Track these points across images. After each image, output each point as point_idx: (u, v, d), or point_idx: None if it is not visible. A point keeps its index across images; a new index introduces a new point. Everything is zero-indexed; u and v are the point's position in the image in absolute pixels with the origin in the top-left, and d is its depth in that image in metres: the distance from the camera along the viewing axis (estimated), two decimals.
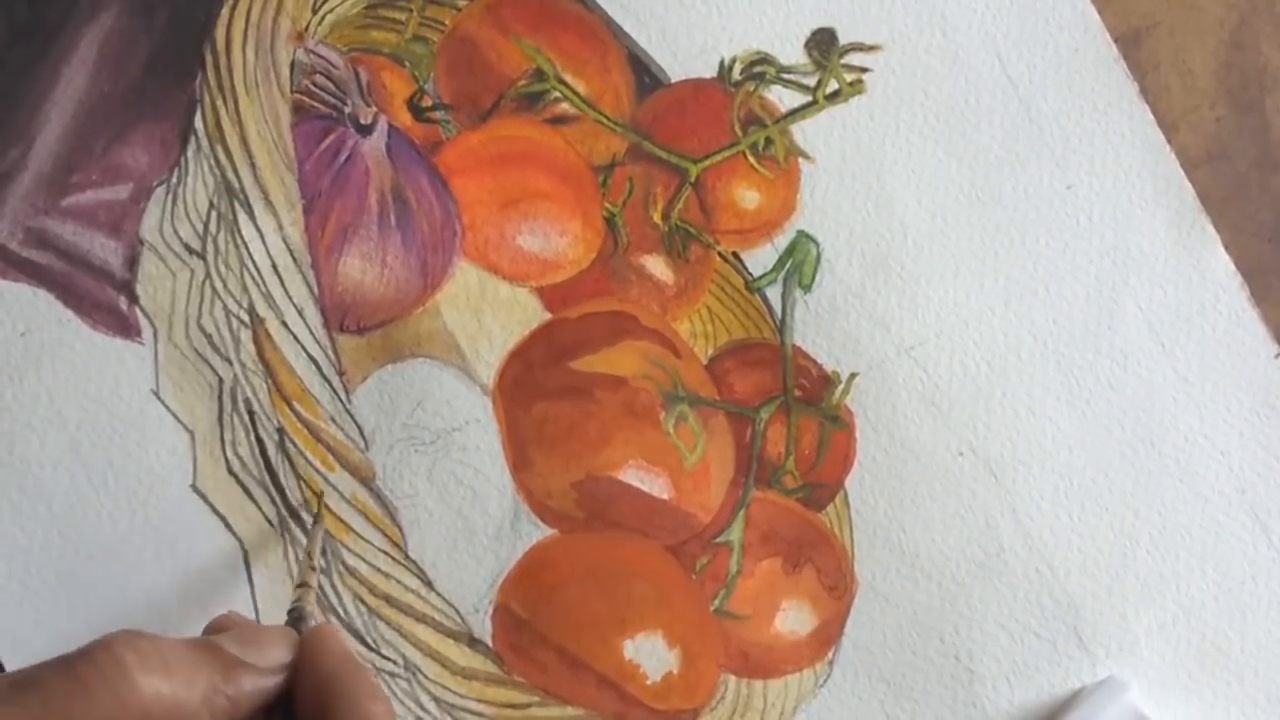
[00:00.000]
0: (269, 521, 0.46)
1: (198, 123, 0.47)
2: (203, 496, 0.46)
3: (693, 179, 0.48)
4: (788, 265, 0.48)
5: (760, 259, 0.48)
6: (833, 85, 0.48)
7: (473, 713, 0.47)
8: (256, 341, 0.47)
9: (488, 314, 0.47)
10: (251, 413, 0.47)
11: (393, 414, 0.47)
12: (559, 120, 0.48)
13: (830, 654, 0.47)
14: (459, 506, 0.47)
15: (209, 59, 0.47)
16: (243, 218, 0.47)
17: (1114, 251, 0.48)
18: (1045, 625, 0.47)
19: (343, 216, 0.47)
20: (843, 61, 0.48)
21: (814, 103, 0.48)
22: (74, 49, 0.47)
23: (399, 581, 0.47)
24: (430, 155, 0.48)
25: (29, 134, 0.47)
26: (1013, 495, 0.47)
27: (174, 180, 0.47)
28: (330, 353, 0.47)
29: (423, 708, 0.46)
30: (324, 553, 0.46)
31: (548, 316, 0.48)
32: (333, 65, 0.48)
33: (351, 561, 0.47)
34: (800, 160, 0.48)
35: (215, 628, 0.39)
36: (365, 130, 0.47)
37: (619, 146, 0.48)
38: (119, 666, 0.31)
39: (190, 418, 0.46)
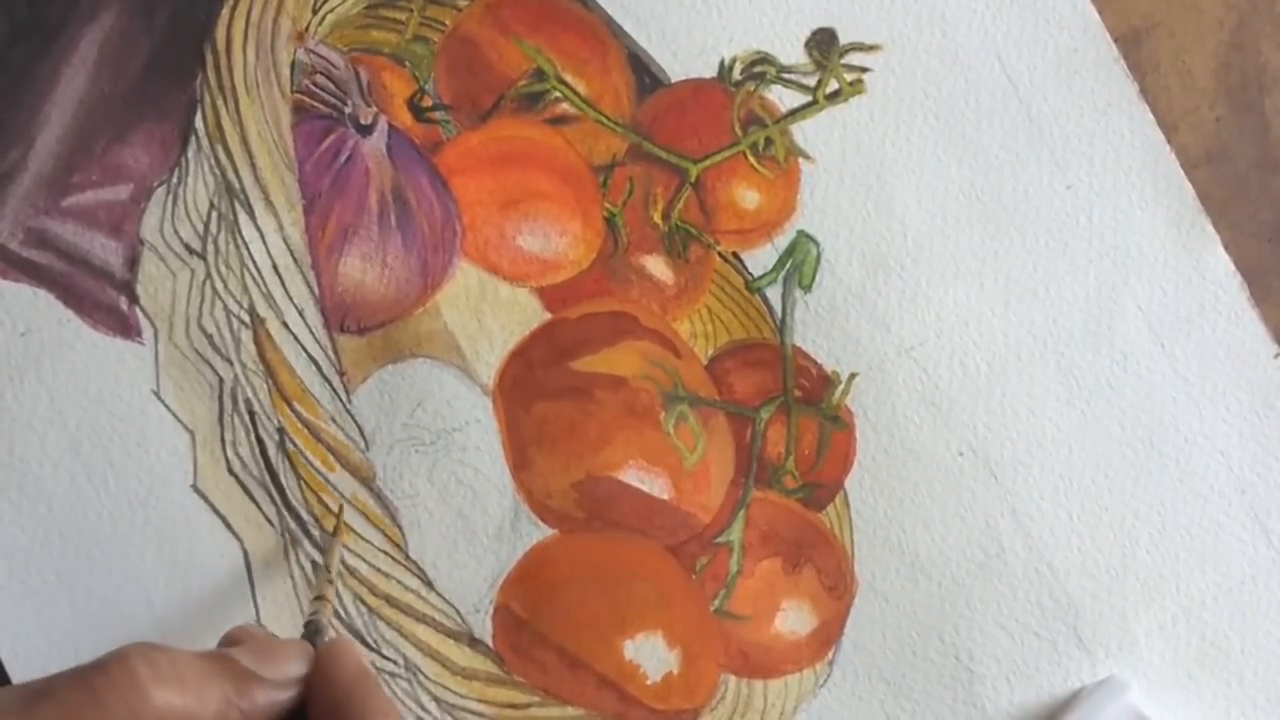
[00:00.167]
0: (269, 521, 0.46)
1: (198, 123, 0.47)
2: (203, 496, 0.46)
3: (693, 179, 0.48)
4: (788, 265, 0.48)
5: (760, 259, 0.48)
6: (833, 85, 0.48)
7: (473, 713, 0.47)
8: (257, 342, 0.47)
9: (488, 314, 0.47)
10: (252, 413, 0.47)
11: (393, 414, 0.47)
12: (559, 120, 0.48)
13: (830, 654, 0.47)
14: (459, 506, 0.47)
15: (209, 59, 0.47)
16: (243, 218, 0.47)
17: (1114, 252, 0.48)
18: (1045, 625, 0.47)
19: (343, 217, 0.47)
20: (843, 61, 0.48)
21: (814, 103, 0.48)
22: (74, 49, 0.47)
23: (399, 582, 0.47)
24: (430, 155, 0.48)
25: (29, 134, 0.47)
26: (1013, 495, 0.47)
27: (174, 180, 0.47)
28: (330, 353, 0.47)
29: (423, 708, 0.46)
30: (326, 553, 0.46)
31: (548, 317, 0.48)
32: (333, 65, 0.48)
33: (352, 562, 0.47)
34: (800, 160, 0.48)
35: (230, 640, 0.39)
36: (365, 130, 0.48)
37: (619, 146, 0.48)
38: (133, 679, 0.31)
39: (191, 418, 0.47)
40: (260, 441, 0.47)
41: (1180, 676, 0.47)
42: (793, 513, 0.47)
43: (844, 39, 0.48)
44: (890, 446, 0.47)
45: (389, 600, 0.47)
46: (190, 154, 0.47)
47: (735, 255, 0.48)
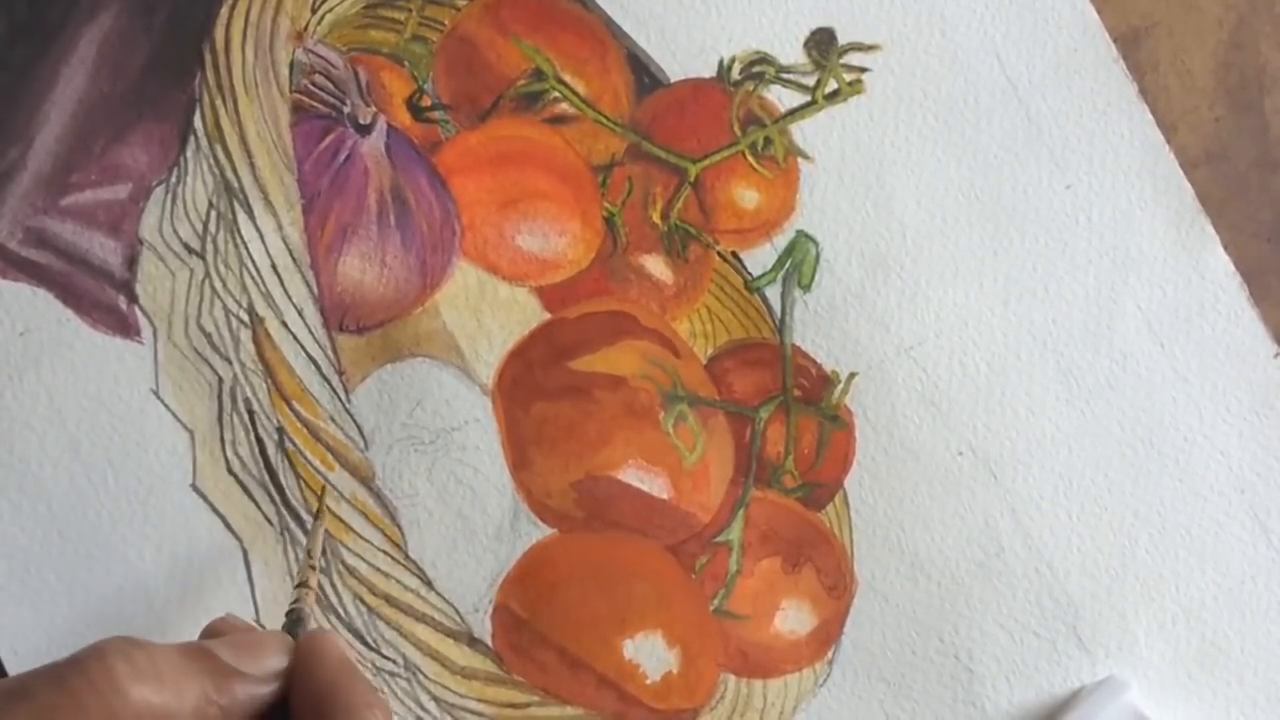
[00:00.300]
0: (268, 521, 0.46)
1: (197, 122, 0.47)
2: (202, 496, 0.46)
3: (692, 179, 0.48)
4: (787, 265, 0.48)
5: (759, 259, 0.48)
6: (832, 85, 0.48)
7: (472, 712, 0.47)
8: (256, 341, 0.47)
9: (487, 314, 0.47)
10: (251, 412, 0.47)
11: (392, 414, 0.47)
12: (558, 120, 0.48)
13: (830, 653, 0.47)
14: (458, 506, 0.47)
15: (208, 58, 0.47)
16: (242, 217, 0.47)
17: (1113, 251, 0.48)
18: (1045, 625, 0.47)
19: (342, 216, 0.47)
20: (842, 61, 0.48)
21: (813, 102, 0.48)
22: (73, 49, 0.47)
23: (399, 581, 0.47)
24: (429, 155, 0.48)
25: (28, 134, 0.47)
26: (1012, 495, 0.47)
27: (173, 180, 0.47)
28: (330, 352, 0.47)
29: (422, 707, 0.46)
30: (324, 552, 0.46)
31: (547, 316, 0.48)
32: (332, 65, 0.48)
33: (351, 561, 0.47)
34: (799, 160, 0.48)
35: (211, 632, 0.39)
36: (364, 130, 0.48)
37: (618, 146, 0.48)
38: (110, 677, 0.30)
39: (190, 417, 0.47)
40: (259, 441, 0.47)
41: (1180, 676, 0.47)
42: (792, 512, 0.47)
43: (843, 39, 0.48)
44: (890, 446, 0.47)
45: (388, 600, 0.47)
46: (189, 153, 0.47)
47: (734, 255, 0.48)
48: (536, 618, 0.47)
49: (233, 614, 0.43)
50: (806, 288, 0.48)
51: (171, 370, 0.47)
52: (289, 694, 0.35)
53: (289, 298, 0.47)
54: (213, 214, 0.47)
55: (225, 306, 0.47)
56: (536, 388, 0.47)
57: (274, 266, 0.47)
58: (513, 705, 0.47)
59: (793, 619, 0.47)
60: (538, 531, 0.47)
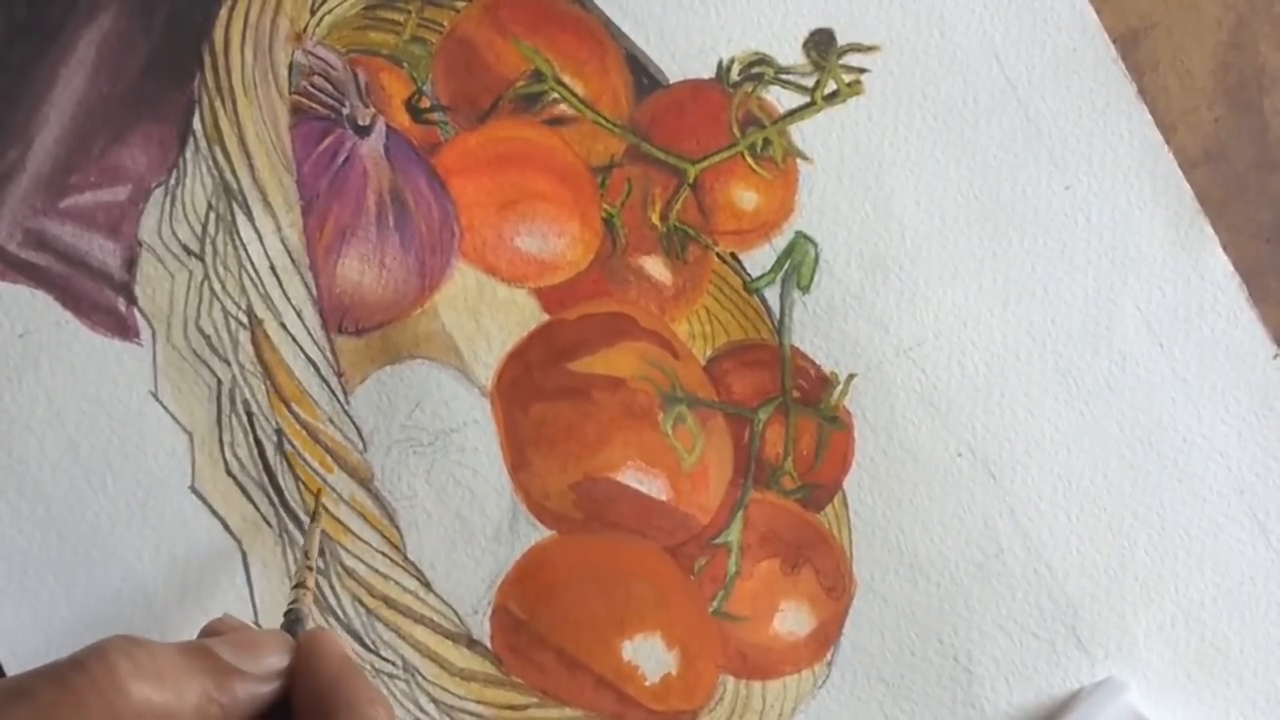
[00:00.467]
0: (267, 522, 0.46)
1: (196, 124, 0.47)
2: (201, 498, 0.46)
3: (691, 180, 0.48)
4: (786, 266, 0.48)
5: (758, 260, 0.48)
6: (831, 86, 0.48)
7: (471, 714, 0.47)
8: (255, 343, 0.47)
9: (486, 315, 0.47)
10: (250, 414, 0.47)
11: (391, 415, 0.47)
12: (557, 121, 0.48)
13: (829, 655, 0.47)
14: (457, 507, 0.47)
15: (207, 60, 0.47)
16: (241, 219, 0.47)
17: (1112, 252, 0.47)
18: (1044, 626, 0.47)
19: (341, 218, 0.47)
20: (841, 62, 0.48)
21: (812, 103, 0.48)
22: (72, 50, 0.47)
23: (397, 583, 0.47)
24: (428, 156, 0.48)
25: (27, 135, 0.47)
26: (1011, 496, 0.47)
27: (172, 181, 0.47)
28: (328, 354, 0.47)
29: (421, 709, 0.46)
30: (322, 553, 0.46)
31: (546, 318, 0.48)
32: (331, 66, 0.48)
33: (350, 563, 0.47)
34: (798, 161, 0.48)
35: (210, 631, 0.39)
36: (363, 131, 0.48)
37: (617, 147, 0.48)
38: (112, 676, 0.30)
39: (189, 419, 0.47)
40: (258, 443, 0.47)
41: (1179, 677, 0.47)
42: (791, 513, 0.47)
43: (842, 40, 0.48)
44: (889, 447, 0.47)
45: (387, 601, 0.47)
46: (188, 155, 0.47)
47: (733, 256, 0.48)
48: (535, 619, 0.47)
49: (230, 614, 0.43)
50: (805, 289, 0.48)
51: (170, 372, 0.47)
52: (291, 692, 0.35)
53: (288, 299, 0.47)
54: (212, 216, 0.47)
55: (224, 308, 0.47)
56: (535, 389, 0.47)
57: (273, 268, 0.47)
58: (511, 707, 0.47)
59: (792, 620, 0.47)
60: (536, 533, 0.47)
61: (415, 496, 0.47)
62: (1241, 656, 0.47)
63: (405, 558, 0.47)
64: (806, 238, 0.48)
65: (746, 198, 0.48)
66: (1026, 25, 0.48)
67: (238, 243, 0.47)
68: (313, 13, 0.48)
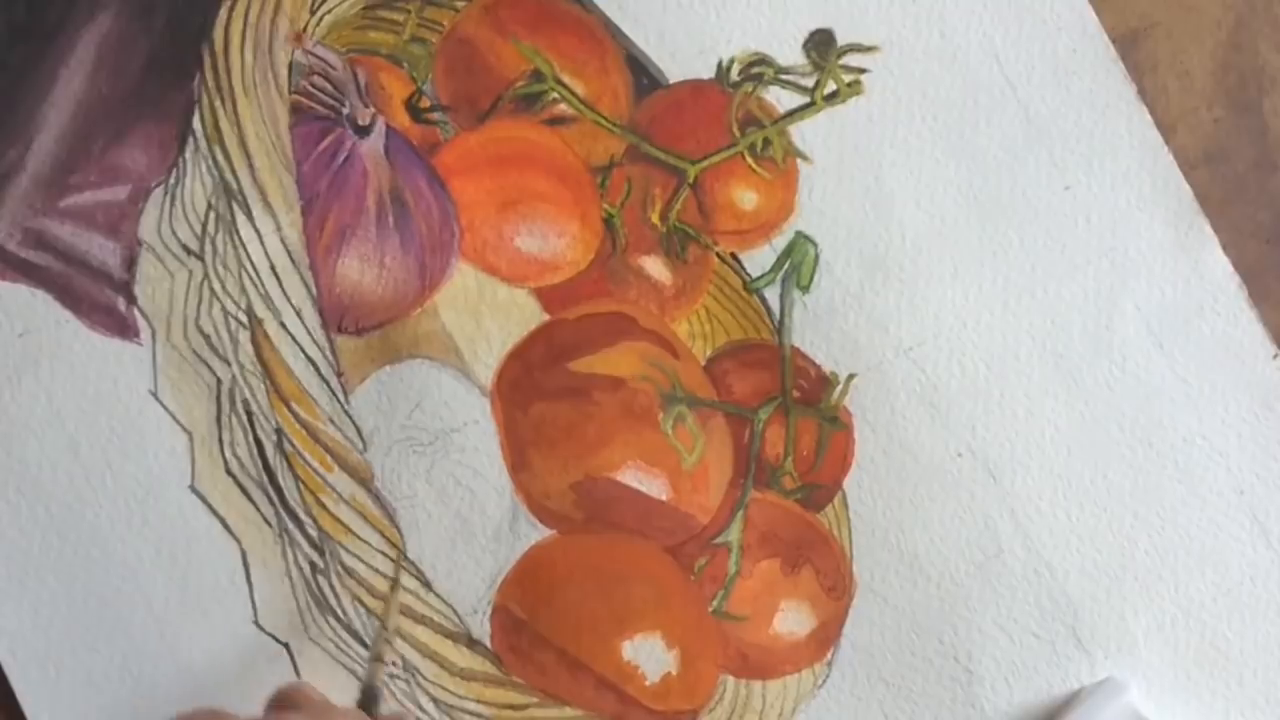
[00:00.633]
0: (267, 522, 0.46)
1: (196, 124, 0.47)
2: (201, 497, 0.46)
3: (691, 180, 0.48)
4: (786, 266, 0.48)
5: (758, 260, 0.48)
6: (831, 86, 0.48)
7: (471, 713, 0.47)
8: (255, 342, 0.47)
9: (486, 315, 0.47)
10: (250, 414, 0.47)
11: (391, 415, 0.47)
12: (557, 121, 0.48)
13: (829, 655, 0.47)
14: (457, 507, 0.47)
15: (207, 60, 0.47)
16: (241, 219, 0.47)
17: (1112, 252, 0.47)
18: (1044, 626, 0.47)
19: (341, 217, 0.47)
20: (841, 62, 0.48)
21: (812, 104, 0.48)
22: (72, 50, 0.47)
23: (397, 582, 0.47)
24: (428, 156, 0.48)
25: (27, 135, 0.47)
26: (1011, 496, 0.47)
27: (172, 181, 0.47)
28: (328, 354, 0.47)
29: (421, 708, 0.46)
30: (325, 555, 0.46)
31: (546, 318, 0.48)
32: (331, 66, 0.48)
33: (350, 562, 0.47)
34: (798, 161, 0.48)
35: (284, 699, 0.38)
36: (363, 131, 0.48)
37: (617, 147, 0.48)
38: None
39: (189, 419, 0.47)
40: (258, 442, 0.47)
41: (1179, 677, 0.47)
42: (791, 513, 0.47)
43: (842, 40, 0.48)
44: (889, 447, 0.47)
45: (387, 601, 0.47)
46: (188, 155, 0.47)
47: (733, 256, 0.48)
48: (535, 619, 0.47)
49: (308, 683, 0.42)
50: (805, 289, 0.48)
51: (170, 372, 0.47)
52: None
53: (288, 299, 0.47)
54: (211, 215, 0.47)
55: (224, 308, 0.47)
56: (536, 389, 0.47)
57: (273, 268, 0.47)
58: (512, 706, 0.47)
59: (792, 620, 0.47)
60: (537, 533, 0.47)
61: (415, 496, 0.47)
62: (1241, 656, 0.47)
63: (405, 557, 0.47)
64: (806, 238, 0.48)
65: (746, 198, 0.48)
66: (1026, 26, 0.48)
67: (237, 242, 0.47)
68: (313, 13, 0.48)
